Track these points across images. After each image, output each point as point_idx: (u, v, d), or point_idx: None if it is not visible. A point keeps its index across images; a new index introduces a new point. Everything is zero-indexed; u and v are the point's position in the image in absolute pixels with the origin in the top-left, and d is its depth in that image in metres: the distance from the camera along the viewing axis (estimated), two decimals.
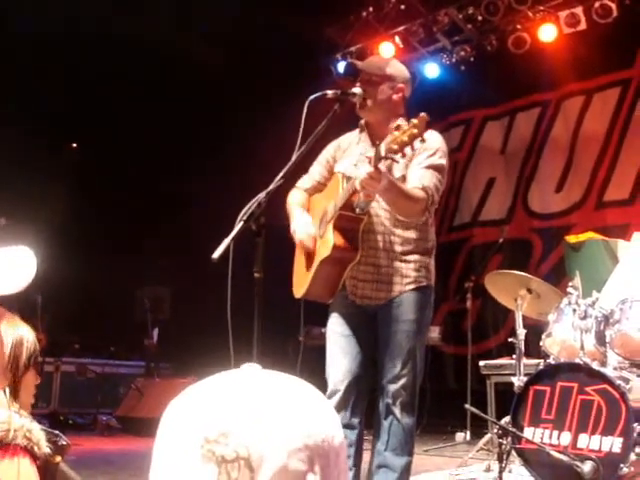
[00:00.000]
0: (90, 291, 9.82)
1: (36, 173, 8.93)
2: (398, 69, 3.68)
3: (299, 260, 3.78)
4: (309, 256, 3.64)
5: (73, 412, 8.97)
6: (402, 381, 3.43)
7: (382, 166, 3.07)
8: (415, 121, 2.88)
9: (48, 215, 8.74)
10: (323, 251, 3.45)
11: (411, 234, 3.56)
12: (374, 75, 3.57)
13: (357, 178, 3.14)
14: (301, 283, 3.68)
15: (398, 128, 2.94)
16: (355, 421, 3.53)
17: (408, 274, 3.54)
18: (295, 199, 3.80)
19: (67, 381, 9.31)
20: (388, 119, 3.59)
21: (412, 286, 3.53)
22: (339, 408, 3.46)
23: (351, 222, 3.43)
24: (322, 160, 3.81)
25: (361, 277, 3.53)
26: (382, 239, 3.52)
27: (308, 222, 3.63)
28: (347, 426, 3.51)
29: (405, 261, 3.53)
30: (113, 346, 9.91)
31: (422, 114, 2.91)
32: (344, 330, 3.58)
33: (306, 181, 3.83)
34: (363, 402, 3.54)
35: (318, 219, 3.63)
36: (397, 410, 3.43)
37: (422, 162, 3.40)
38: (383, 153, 3.00)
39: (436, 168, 3.47)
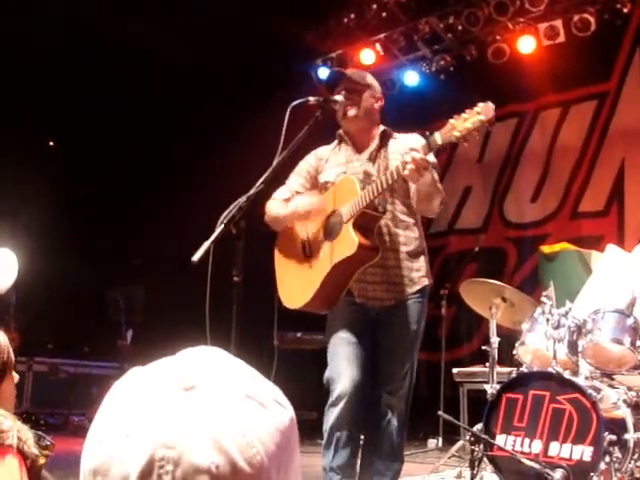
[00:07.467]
0: (65, 291, 9.74)
1: (12, 172, 8.85)
2: (375, 81, 3.74)
3: (288, 267, 3.69)
4: (307, 262, 3.58)
5: (45, 412, 8.89)
6: (401, 391, 3.44)
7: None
8: (478, 108, 2.88)
9: (24, 214, 8.67)
10: (343, 251, 3.37)
11: (410, 233, 3.56)
12: (359, 84, 3.61)
13: (402, 164, 3.11)
14: (301, 291, 3.57)
15: (456, 116, 2.94)
16: (358, 432, 3.52)
17: (414, 275, 3.54)
18: (277, 208, 3.67)
19: (39, 381, 9.22)
20: (370, 128, 3.63)
21: (418, 287, 3.54)
22: (345, 415, 3.41)
23: (371, 220, 3.40)
24: (302, 171, 3.73)
25: (370, 279, 3.49)
26: (388, 240, 3.49)
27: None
28: (351, 438, 3.47)
29: (410, 261, 3.53)
30: (87, 346, 9.84)
31: (486, 102, 2.92)
32: (350, 337, 3.50)
33: (284, 192, 3.71)
34: (363, 409, 3.49)
35: (315, 227, 3.57)
36: (394, 419, 3.43)
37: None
38: (440, 142, 2.98)
39: (436, 168, 3.48)
